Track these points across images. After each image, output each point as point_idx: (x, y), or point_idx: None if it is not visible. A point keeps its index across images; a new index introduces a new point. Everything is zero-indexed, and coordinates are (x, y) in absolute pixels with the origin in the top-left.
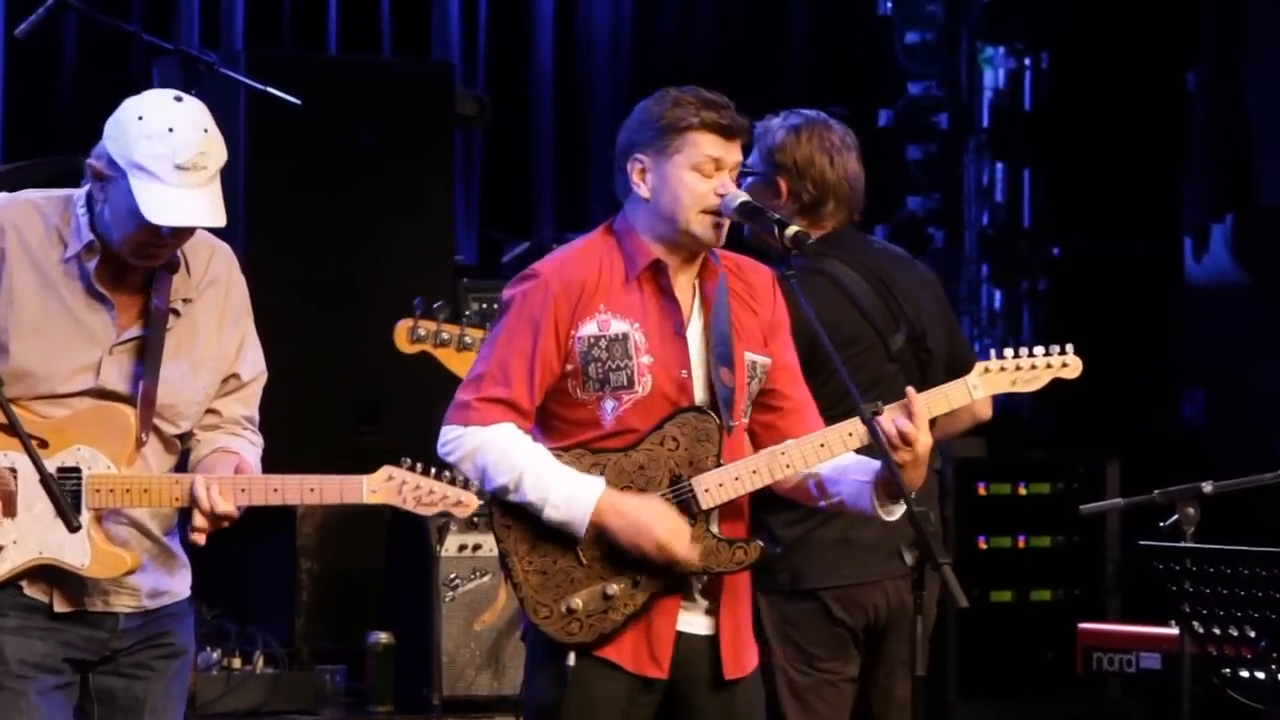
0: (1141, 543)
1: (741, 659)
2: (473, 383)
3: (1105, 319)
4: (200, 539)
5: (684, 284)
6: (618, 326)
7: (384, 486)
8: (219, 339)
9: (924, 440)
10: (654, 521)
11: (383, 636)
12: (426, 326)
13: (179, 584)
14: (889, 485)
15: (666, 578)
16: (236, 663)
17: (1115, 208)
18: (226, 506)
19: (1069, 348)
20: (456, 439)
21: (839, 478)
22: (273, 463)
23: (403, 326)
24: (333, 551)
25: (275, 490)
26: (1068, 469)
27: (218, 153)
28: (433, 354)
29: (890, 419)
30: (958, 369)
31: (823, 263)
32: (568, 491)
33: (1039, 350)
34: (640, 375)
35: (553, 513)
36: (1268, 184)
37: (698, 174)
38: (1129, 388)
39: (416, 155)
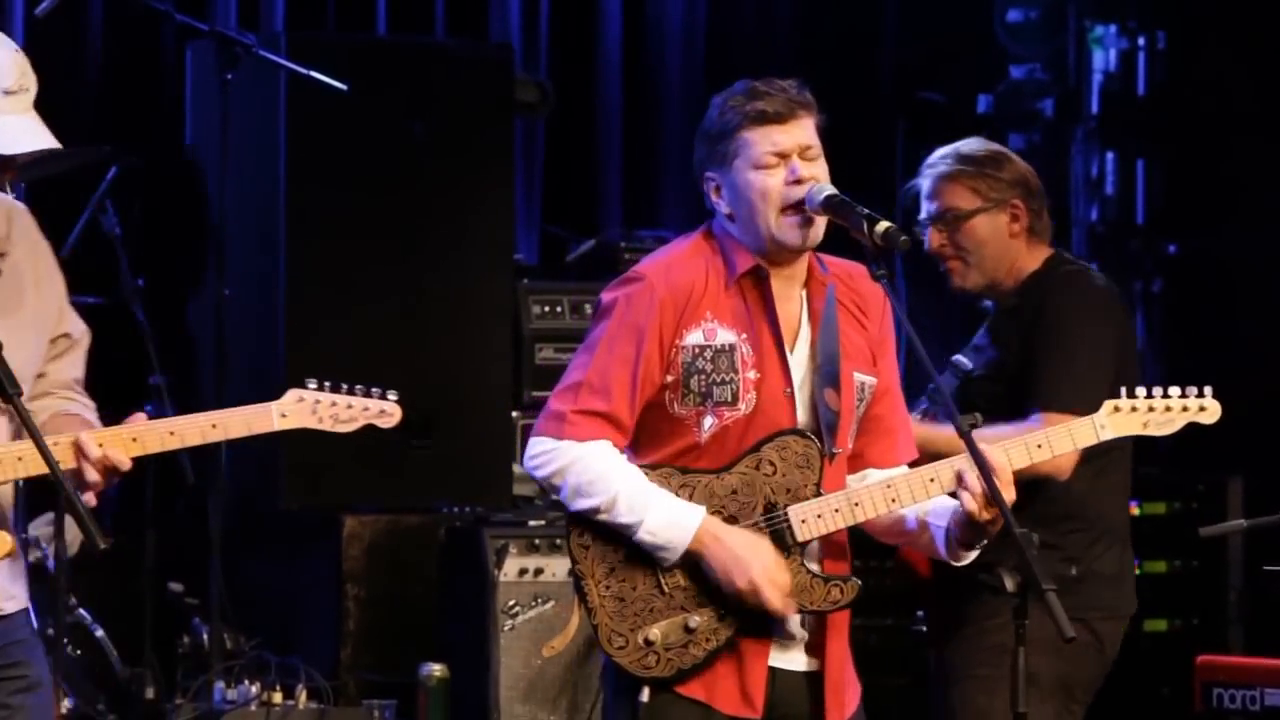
0: (1266, 567)
1: (845, 697)
2: (569, 391)
3: (1226, 323)
4: (92, 499)
5: (790, 294)
6: (724, 337)
7: (295, 409)
8: (39, 297)
9: (1008, 495)
10: (753, 559)
11: (436, 669)
12: None
13: (18, 589)
14: (964, 531)
15: (754, 612)
16: (277, 697)
17: (1237, 202)
18: (120, 455)
19: (1207, 390)
20: (549, 453)
21: (922, 517)
22: (314, 476)
23: None
24: (381, 576)
25: (172, 434)
26: (1185, 487)
27: (33, 73)
28: None
29: (975, 474)
30: None
31: (1109, 280)
32: (667, 517)
33: (1174, 391)
34: (745, 391)
35: (647, 536)
36: None
37: (762, 171)
38: (1253, 398)
39: (473, 146)
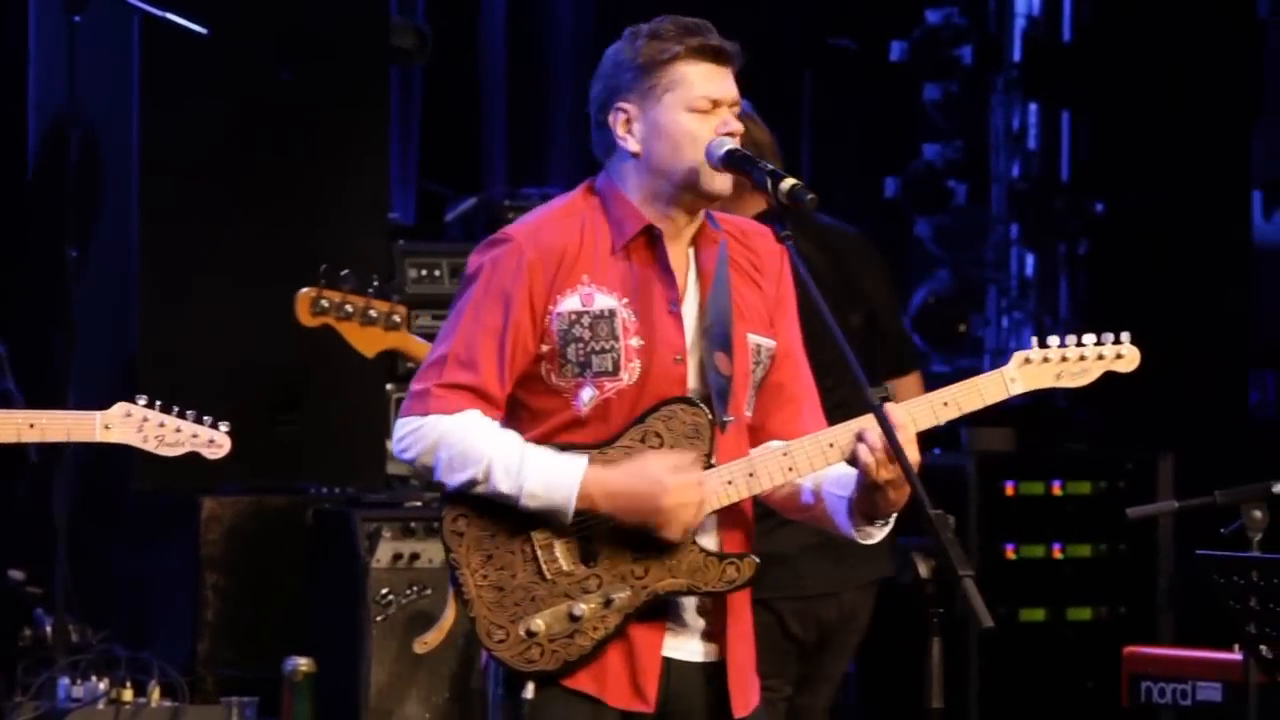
0: (1199, 552)
1: (750, 691)
2: (434, 367)
3: (1157, 288)
4: None
5: (677, 254)
6: (603, 301)
7: (121, 423)
8: None
9: (911, 455)
10: (653, 483)
11: (302, 663)
12: (330, 298)
13: None
14: (865, 497)
15: (646, 597)
16: (128, 695)
17: (1169, 157)
18: None
19: (1125, 336)
20: (414, 431)
21: (817, 488)
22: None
23: (305, 296)
24: (243, 563)
25: None
26: (1112, 465)
27: None
28: (336, 328)
29: (876, 433)
30: (896, 356)
31: None
32: (546, 475)
33: (1089, 339)
34: (628, 360)
35: (530, 501)
36: None
37: (696, 114)
38: (1186, 370)
39: (344, 96)
